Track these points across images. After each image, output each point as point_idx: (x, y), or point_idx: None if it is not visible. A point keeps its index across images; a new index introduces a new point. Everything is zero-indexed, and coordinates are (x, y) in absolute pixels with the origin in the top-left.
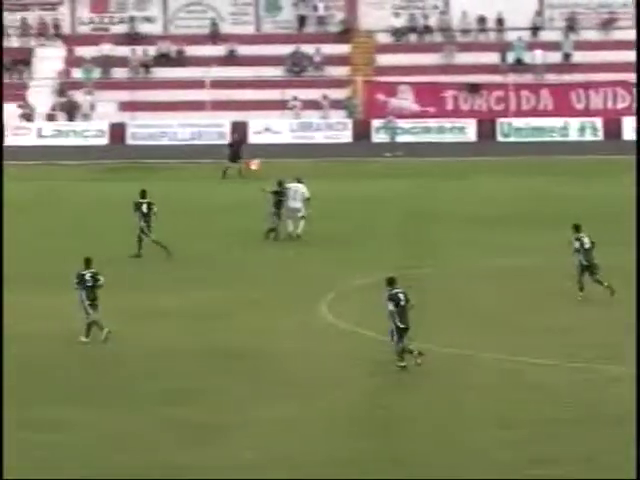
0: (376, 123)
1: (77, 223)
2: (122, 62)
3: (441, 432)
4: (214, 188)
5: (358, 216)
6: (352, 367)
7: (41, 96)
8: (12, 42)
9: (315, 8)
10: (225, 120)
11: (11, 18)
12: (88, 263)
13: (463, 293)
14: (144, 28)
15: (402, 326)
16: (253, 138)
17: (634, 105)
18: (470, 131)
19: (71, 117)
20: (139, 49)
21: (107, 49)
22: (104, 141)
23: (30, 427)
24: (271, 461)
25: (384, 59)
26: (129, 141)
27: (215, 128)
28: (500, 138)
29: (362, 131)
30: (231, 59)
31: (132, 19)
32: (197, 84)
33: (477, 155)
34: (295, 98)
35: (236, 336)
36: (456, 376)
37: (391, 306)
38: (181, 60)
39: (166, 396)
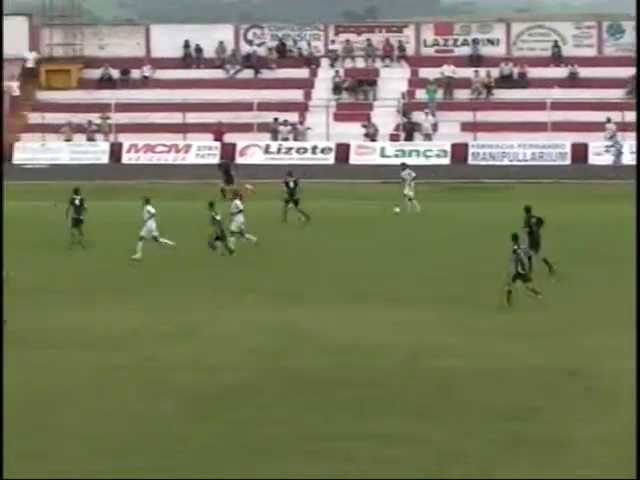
0: None
1: (409, 239)
2: (465, 83)
3: None
4: (553, 207)
5: None
6: None
7: (385, 116)
8: (358, 63)
9: None
10: (565, 141)
11: (357, 39)
12: None
13: None
14: (487, 50)
15: None
16: (593, 159)
17: None
18: None
19: (410, 137)
20: (482, 71)
21: (450, 70)
22: (446, 161)
23: (364, 440)
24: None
25: None
26: (471, 161)
27: (555, 149)
28: None
29: None
30: (572, 81)
31: (475, 41)
32: (538, 105)
33: None
34: (609, 120)
35: (571, 354)
36: None
37: None
38: (523, 82)
39: (502, 412)
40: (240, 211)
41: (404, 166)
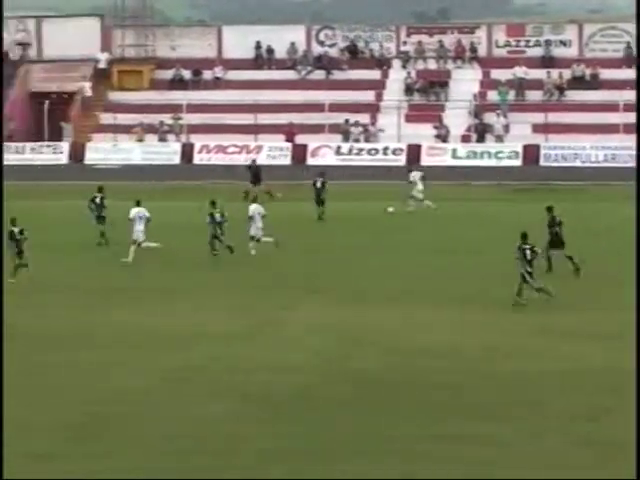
0: None
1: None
2: (537, 85)
3: None
4: (625, 209)
5: None
6: None
7: (456, 118)
8: (429, 64)
9: None
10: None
11: (429, 40)
12: None
13: None
14: (559, 51)
15: None
16: None
17: None
18: None
19: (482, 138)
20: (554, 72)
21: (522, 72)
22: (517, 162)
23: (432, 441)
24: None
25: None
26: (542, 162)
27: (628, 151)
28: None
29: None
30: None
31: (547, 43)
32: (611, 107)
33: None
34: None
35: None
36: None
37: None
38: (595, 83)
39: (574, 413)
40: (251, 217)
41: (410, 168)
